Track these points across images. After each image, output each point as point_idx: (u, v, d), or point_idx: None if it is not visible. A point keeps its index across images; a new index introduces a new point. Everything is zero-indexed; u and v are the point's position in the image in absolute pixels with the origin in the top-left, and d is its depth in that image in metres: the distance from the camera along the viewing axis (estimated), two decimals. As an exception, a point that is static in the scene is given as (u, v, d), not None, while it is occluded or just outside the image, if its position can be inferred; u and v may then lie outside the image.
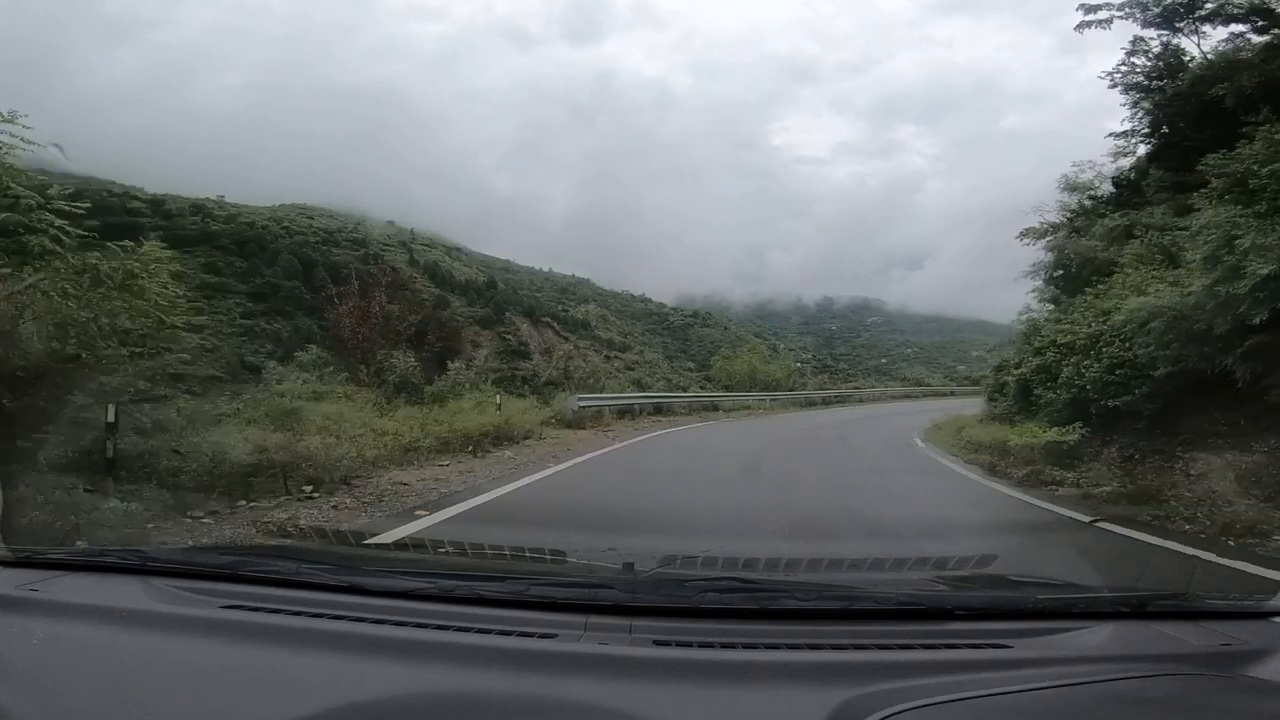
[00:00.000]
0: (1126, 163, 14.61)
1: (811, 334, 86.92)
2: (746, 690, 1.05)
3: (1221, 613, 1.38)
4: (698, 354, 52.92)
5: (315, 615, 1.27)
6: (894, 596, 1.40)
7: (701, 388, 30.04)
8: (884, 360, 76.27)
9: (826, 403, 31.83)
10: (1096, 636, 1.26)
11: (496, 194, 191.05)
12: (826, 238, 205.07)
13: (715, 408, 23.23)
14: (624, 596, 1.32)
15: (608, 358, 40.93)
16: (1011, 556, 3.62)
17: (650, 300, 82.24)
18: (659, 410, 19.81)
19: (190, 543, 4.31)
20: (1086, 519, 5.57)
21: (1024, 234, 15.66)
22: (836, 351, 76.91)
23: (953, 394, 35.30)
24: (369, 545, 2.56)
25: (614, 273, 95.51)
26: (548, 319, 53.47)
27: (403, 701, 1.00)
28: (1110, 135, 14.56)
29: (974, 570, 1.95)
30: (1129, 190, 14.04)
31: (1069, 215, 15.38)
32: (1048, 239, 15.38)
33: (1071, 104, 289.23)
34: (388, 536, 4.25)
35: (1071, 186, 15.67)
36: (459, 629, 1.20)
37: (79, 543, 3.64)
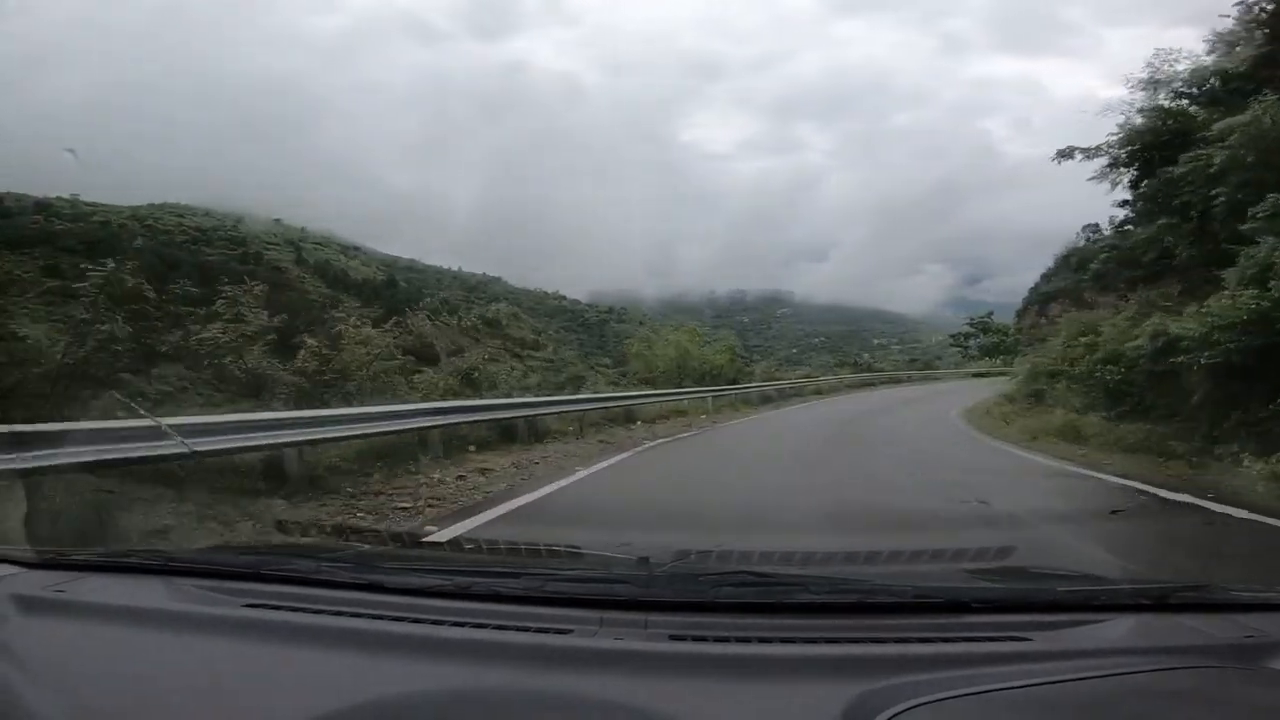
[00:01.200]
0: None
1: (725, 327, 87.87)
2: (762, 684, 1.05)
3: (1245, 604, 1.39)
4: (614, 350, 50.68)
5: (335, 613, 1.27)
6: (910, 589, 1.40)
7: (614, 384, 21.34)
8: (794, 350, 77.58)
9: (784, 395, 26.19)
10: (1117, 629, 1.26)
11: (400, 191, 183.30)
12: (735, 232, 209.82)
13: (630, 418, 14.71)
14: (639, 591, 1.33)
15: (518, 356, 38.57)
16: (1029, 548, 3.44)
17: (564, 297, 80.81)
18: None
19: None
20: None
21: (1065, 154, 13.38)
22: (750, 343, 77.59)
23: (909, 379, 36.19)
24: (387, 543, 2.46)
25: (526, 270, 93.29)
26: (451, 318, 50.55)
27: (420, 698, 1.00)
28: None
29: (992, 562, 1.97)
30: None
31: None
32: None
33: (949, 102, 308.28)
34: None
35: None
36: (476, 625, 1.21)
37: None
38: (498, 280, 77.87)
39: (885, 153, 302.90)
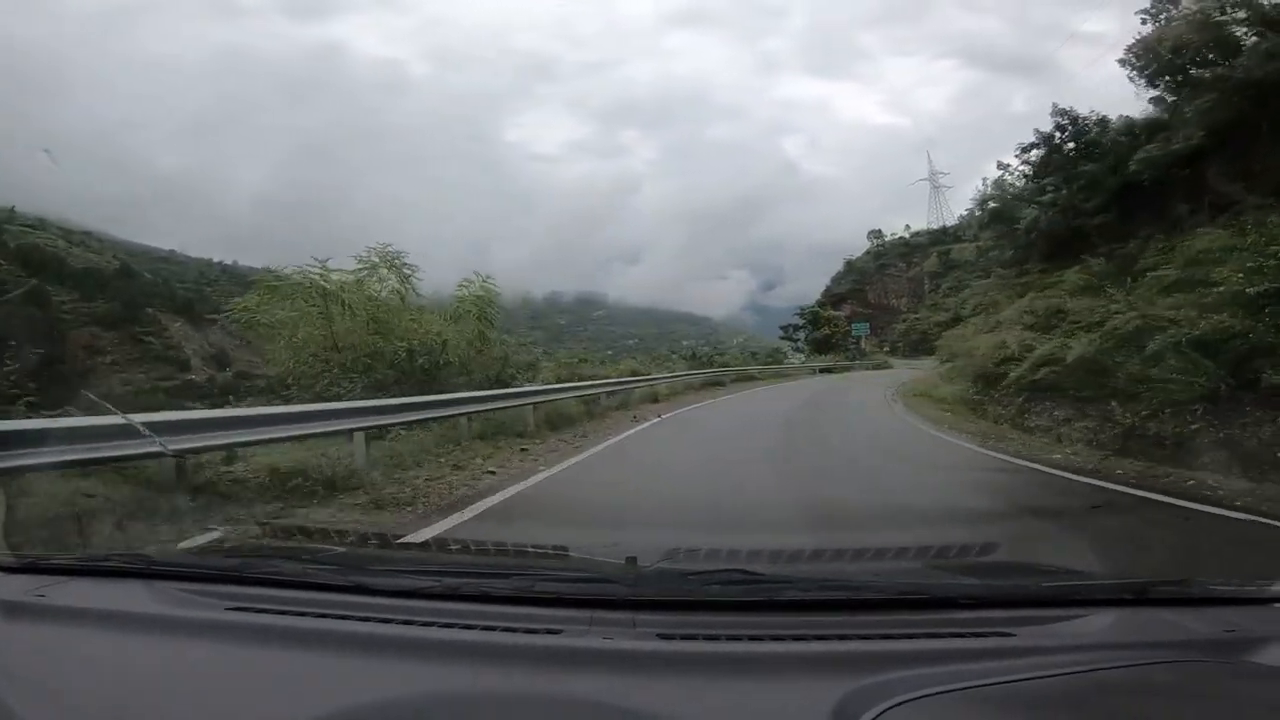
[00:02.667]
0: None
1: (541, 329, 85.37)
2: (752, 682, 1.05)
3: (1224, 598, 1.43)
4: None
5: (320, 616, 1.25)
6: (896, 586, 1.44)
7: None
8: (610, 352, 76.93)
9: (594, 409, 14.36)
10: (1099, 623, 1.27)
11: (165, 174, 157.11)
12: (555, 234, 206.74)
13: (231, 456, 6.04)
14: (628, 591, 1.33)
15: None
16: (1014, 543, 3.46)
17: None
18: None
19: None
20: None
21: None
22: (566, 345, 75.92)
23: (759, 374, 32.89)
24: (372, 544, 2.43)
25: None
26: (213, 316, 42.78)
27: (409, 701, 1.00)
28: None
29: (976, 558, 1.97)
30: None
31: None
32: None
33: (759, 119, 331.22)
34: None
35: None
36: (464, 626, 1.20)
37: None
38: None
39: (700, 163, 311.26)
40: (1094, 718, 1.04)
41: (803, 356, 47.35)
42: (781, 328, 57.31)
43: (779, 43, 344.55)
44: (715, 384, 25.27)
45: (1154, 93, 15.07)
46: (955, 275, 71.25)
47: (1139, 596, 1.36)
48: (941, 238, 79.52)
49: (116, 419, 4.09)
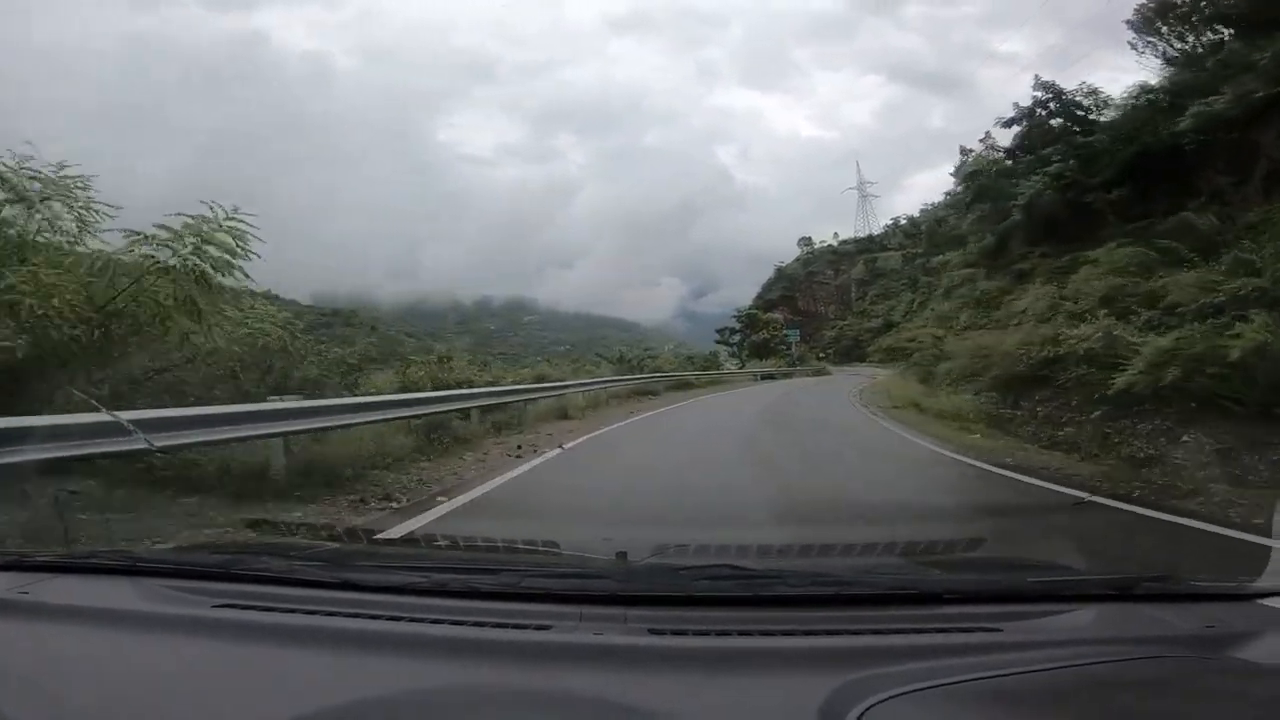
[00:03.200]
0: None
1: (469, 333, 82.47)
2: (742, 677, 1.06)
3: (1207, 594, 1.44)
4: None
5: (308, 612, 1.25)
6: (885, 581, 1.45)
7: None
8: (539, 359, 75.44)
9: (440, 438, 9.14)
10: (1084, 618, 1.28)
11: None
12: (486, 237, 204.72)
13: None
14: (618, 586, 1.33)
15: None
16: (1000, 538, 3.43)
17: (279, 297, 68.55)
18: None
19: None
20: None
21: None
22: (495, 350, 73.79)
23: (696, 380, 29.33)
24: (361, 541, 2.41)
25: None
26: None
27: (399, 697, 0.99)
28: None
29: (963, 554, 2.01)
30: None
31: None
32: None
33: (695, 127, 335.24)
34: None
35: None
36: (453, 623, 1.20)
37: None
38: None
39: (635, 169, 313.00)
40: (1079, 712, 1.04)
41: (738, 362, 45.55)
42: (717, 331, 54.94)
43: (717, 52, 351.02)
44: (646, 392, 21.09)
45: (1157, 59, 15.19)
46: (882, 283, 73.40)
47: (1124, 592, 1.38)
48: (869, 246, 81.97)
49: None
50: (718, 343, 51.86)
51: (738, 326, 53.35)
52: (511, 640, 1.14)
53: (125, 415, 4.27)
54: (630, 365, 27.37)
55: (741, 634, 1.18)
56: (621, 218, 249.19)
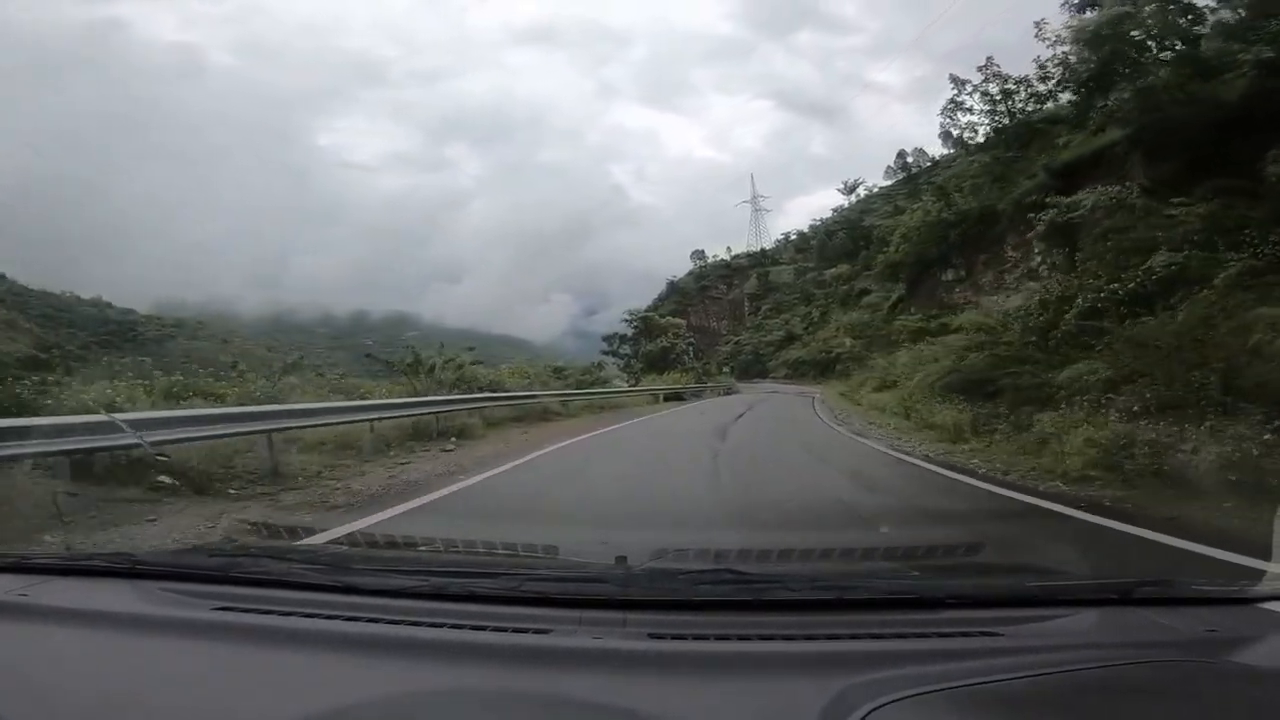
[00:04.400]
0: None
1: (343, 349, 76.33)
2: (742, 682, 1.05)
3: (1206, 598, 1.43)
4: (185, 371, 35.93)
5: (308, 615, 1.25)
6: (885, 586, 1.44)
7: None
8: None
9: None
10: (1084, 623, 1.28)
11: None
12: (367, 247, 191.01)
13: None
14: (617, 590, 1.33)
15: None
16: (999, 543, 3.39)
17: (110, 305, 64.43)
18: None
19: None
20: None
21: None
22: (373, 369, 67.75)
23: (566, 407, 18.33)
24: (360, 544, 2.56)
25: (51, 268, 71.48)
26: None
27: (398, 701, 0.99)
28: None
29: (963, 558, 2.04)
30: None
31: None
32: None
33: (591, 144, 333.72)
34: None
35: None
36: (453, 626, 1.20)
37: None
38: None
39: (531, 184, 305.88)
40: (1079, 717, 1.03)
41: (629, 378, 32.46)
42: (605, 338, 42.62)
43: (619, 71, 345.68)
44: (455, 431, 11.16)
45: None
46: (774, 297, 73.78)
47: (1123, 596, 1.37)
48: (761, 260, 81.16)
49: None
50: (604, 353, 39.03)
51: (629, 333, 41.23)
52: (511, 644, 1.14)
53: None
54: (417, 374, 14.10)
55: (741, 638, 1.18)
56: (514, 233, 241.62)
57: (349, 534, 3.58)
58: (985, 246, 23.03)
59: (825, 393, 26.82)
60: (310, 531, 2.89)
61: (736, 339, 71.00)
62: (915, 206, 34.49)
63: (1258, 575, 1.50)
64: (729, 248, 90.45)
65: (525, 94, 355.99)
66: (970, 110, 22.87)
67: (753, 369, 59.20)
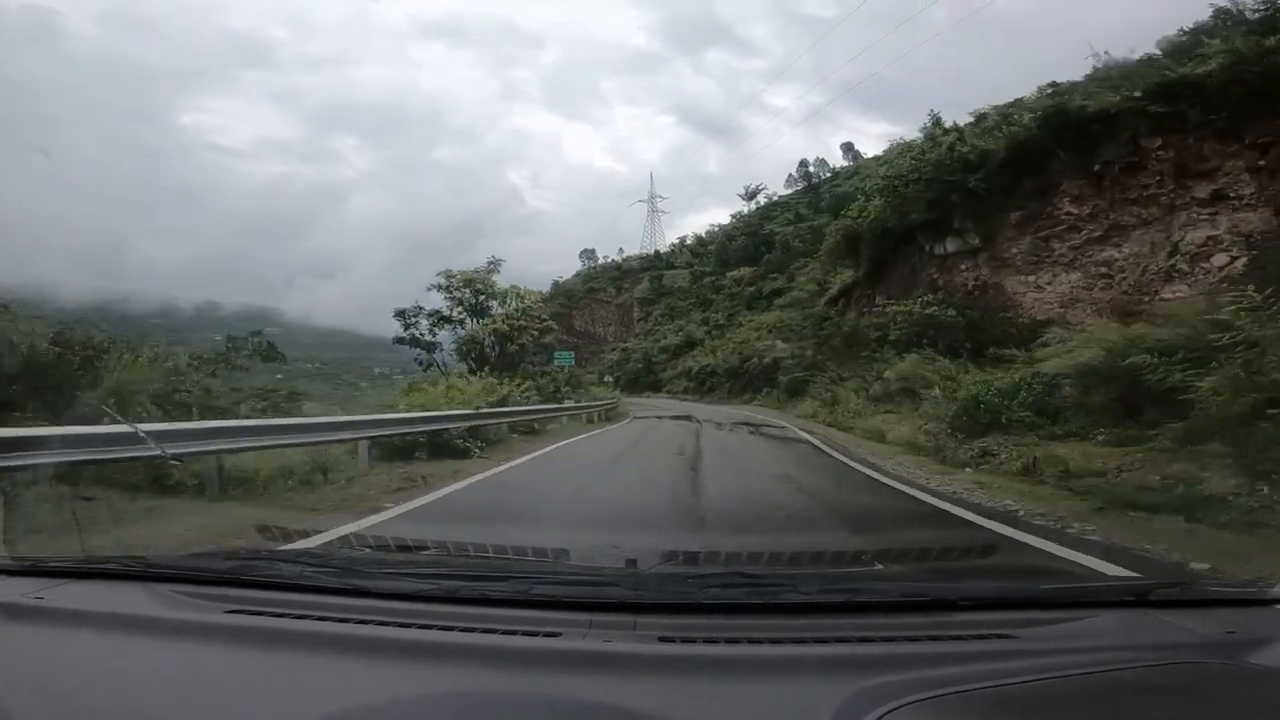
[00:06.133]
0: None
1: (183, 344, 66.66)
2: (754, 685, 1.04)
3: (1225, 600, 1.43)
4: None
5: (320, 618, 1.25)
6: (898, 588, 1.43)
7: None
8: (280, 376, 62.54)
9: None
10: (1100, 625, 1.28)
11: None
12: (226, 236, 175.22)
13: None
14: (628, 594, 1.32)
15: None
16: (1012, 546, 3.13)
17: None
18: None
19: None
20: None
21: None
22: (219, 373, 59.74)
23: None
24: (370, 547, 2.53)
25: None
26: None
27: (410, 703, 0.99)
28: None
29: (976, 561, 2.05)
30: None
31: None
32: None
33: (492, 147, 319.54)
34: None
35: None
36: (464, 630, 1.20)
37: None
38: None
39: (423, 182, 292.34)
40: (1095, 719, 1.02)
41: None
42: (398, 314, 24.19)
43: (526, 73, 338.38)
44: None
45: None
46: (667, 302, 71.96)
47: (1140, 598, 1.37)
48: (655, 264, 76.61)
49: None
50: (400, 340, 24.49)
51: (456, 312, 23.78)
52: (522, 647, 1.14)
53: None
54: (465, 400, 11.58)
55: (752, 642, 1.18)
56: (399, 230, 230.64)
57: (358, 535, 3.62)
58: (1019, 202, 15.30)
59: (808, 425, 15.98)
60: (320, 534, 2.99)
61: (625, 345, 66.49)
62: (900, 151, 24.98)
63: (1277, 576, 1.49)
64: (621, 249, 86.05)
65: (426, 89, 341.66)
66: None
67: (643, 380, 53.19)
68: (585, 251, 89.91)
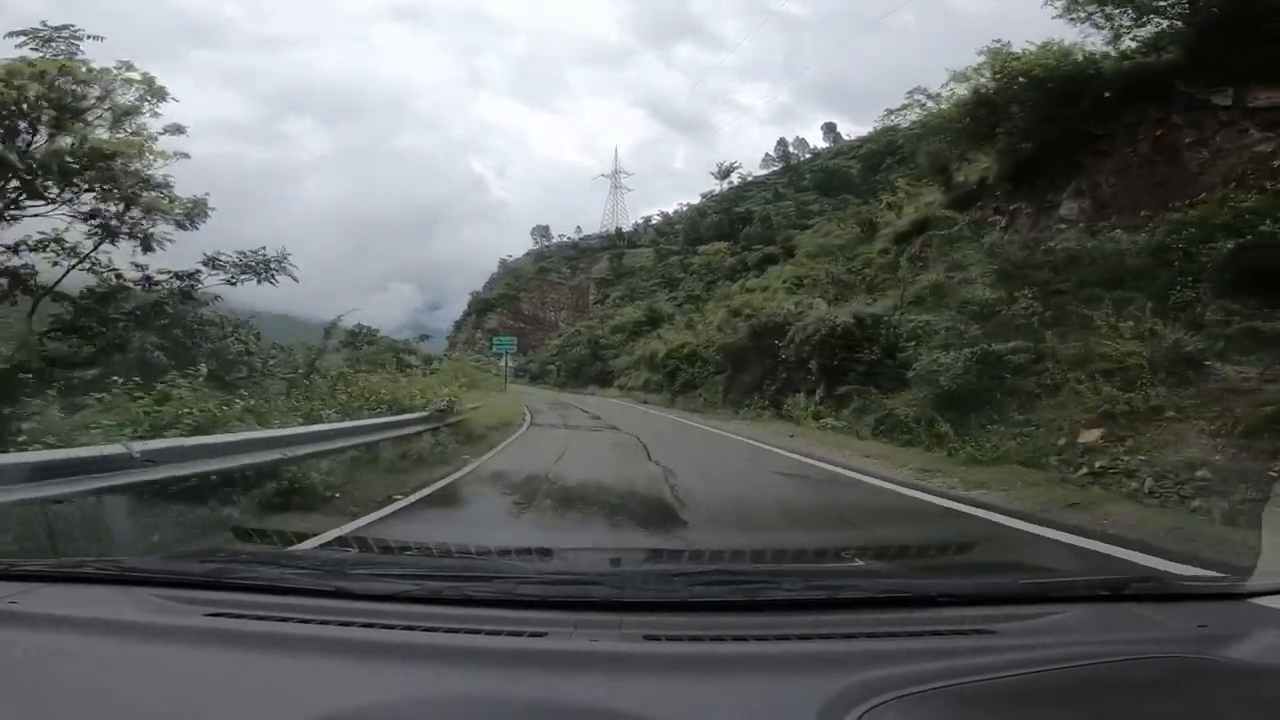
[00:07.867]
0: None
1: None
2: (739, 682, 1.05)
3: (1198, 594, 1.48)
4: None
5: (301, 621, 1.24)
6: (878, 585, 1.44)
7: None
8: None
9: None
10: (1076, 619, 1.29)
11: None
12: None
13: None
14: (612, 593, 1.34)
15: None
16: (989, 541, 3.45)
17: None
18: None
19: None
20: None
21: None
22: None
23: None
24: (352, 548, 2.47)
25: None
26: None
27: (394, 706, 0.98)
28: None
29: (954, 557, 2.02)
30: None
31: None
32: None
33: (455, 136, 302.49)
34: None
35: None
36: (448, 630, 1.19)
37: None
38: None
39: (381, 168, 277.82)
40: (1072, 712, 1.04)
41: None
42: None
43: (493, 61, 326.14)
44: None
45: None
46: (628, 282, 68.38)
47: (1115, 593, 1.39)
48: (615, 243, 71.19)
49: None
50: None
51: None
52: (507, 648, 1.14)
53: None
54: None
55: (736, 639, 1.18)
56: (355, 215, 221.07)
57: (340, 538, 3.56)
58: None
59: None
60: (302, 536, 2.96)
61: (574, 329, 59.50)
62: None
63: (1248, 571, 1.52)
64: (578, 227, 79.91)
65: (388, 74, 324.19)
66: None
67: (586, 371, 43.19)
68: (538, 228, 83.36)
